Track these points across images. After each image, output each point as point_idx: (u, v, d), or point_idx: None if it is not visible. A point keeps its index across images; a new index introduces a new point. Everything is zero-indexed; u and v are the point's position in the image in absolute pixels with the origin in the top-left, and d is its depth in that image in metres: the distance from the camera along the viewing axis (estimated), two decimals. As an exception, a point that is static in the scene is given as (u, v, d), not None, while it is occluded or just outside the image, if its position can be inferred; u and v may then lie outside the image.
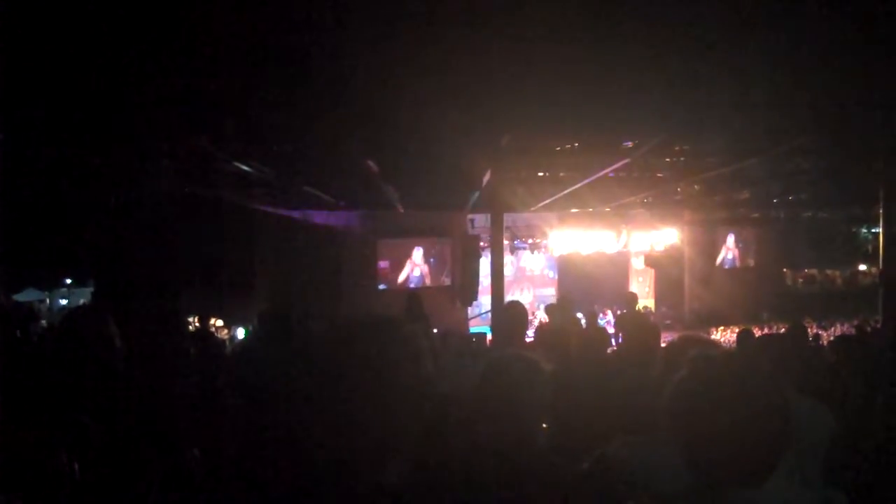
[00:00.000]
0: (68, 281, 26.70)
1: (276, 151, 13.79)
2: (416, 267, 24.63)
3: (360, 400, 2.40)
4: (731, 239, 28.57)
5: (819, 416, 4.12)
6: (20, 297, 21.61)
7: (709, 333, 21.92)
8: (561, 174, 18.65)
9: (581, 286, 25.40)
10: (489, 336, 14.32)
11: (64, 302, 28.07)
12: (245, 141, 12.74)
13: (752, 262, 28.91)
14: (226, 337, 21.07)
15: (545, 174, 18.99)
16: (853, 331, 18.12)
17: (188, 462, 3.87)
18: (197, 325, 18.06)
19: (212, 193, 17.19)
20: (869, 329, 16.87)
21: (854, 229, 35.49)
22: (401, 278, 24.32)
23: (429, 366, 2.56)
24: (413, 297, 13.50)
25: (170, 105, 9.86)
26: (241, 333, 21.52)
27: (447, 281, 24.98)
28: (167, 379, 4.78)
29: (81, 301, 24.19)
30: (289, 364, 3.94)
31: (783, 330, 13.93)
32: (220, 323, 22.45)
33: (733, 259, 28.73)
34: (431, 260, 24.87)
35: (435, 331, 18.15)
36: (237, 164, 13.65)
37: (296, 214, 21.68)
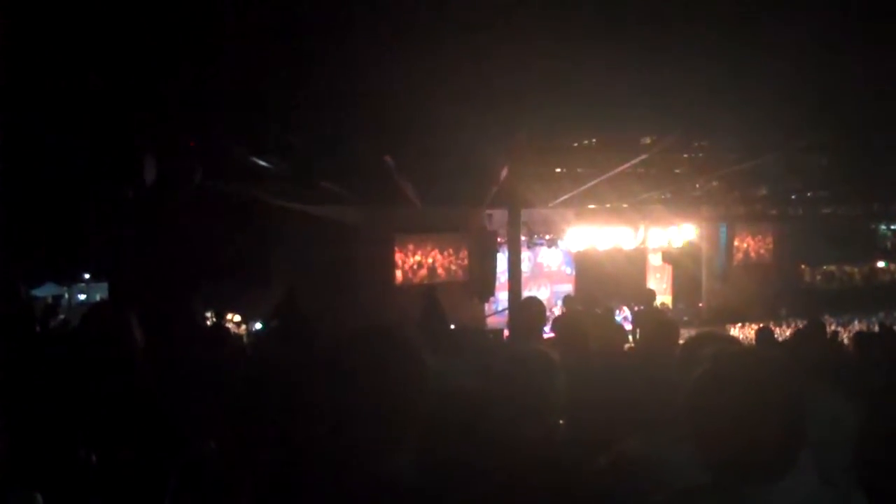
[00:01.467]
0: (87, 276, 26.73)
1: (293, 146, 13.81)
2: (432, 263, 24.61)
3: (359, 399, 2.45)
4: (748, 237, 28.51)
5: (842, 413, 4.10)
6: (39, 293, 21.68)
7: (727, 330, 21.87)
8: (578, 170, 18.61)
9: (598, 282, 25.34)
10: (506, 332, 14.31)
11: (83, 297, 28.12)
12: (263, 137, 12.76)
13: (769, 259, 28.79)
14: (243, 332, 21.12)
15: (563, 170, 18.96)
16: (872, 327, 18.04)
17: (205, 455, 3.89)
18: (214, 320, 18.15)
19: (229, 188, 17.24)
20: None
21: (873, 226, 35.25)
22: (417, 274, 24.29)
23: (429, 367, 2.60)
24: (430, 294, 13.55)
25: (189, 100, 9.89)
26: (258, 328, 21.56)
27: (464, 277, 24.93)
28: (184, 373, 4.80)
29: (98, 297, 24.23)
30: (297, 361, 3.96)
31: (801, 326, 13.88)
32: (237, 318, 22.49)
33: (751, 255, 28.63)
34: (448, 256, 24.84)
35: (452, 326, 18.22)
36: (255, 159, 13.68)
37: (313, 210, 21.69)
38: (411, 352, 2.64)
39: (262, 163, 14.09)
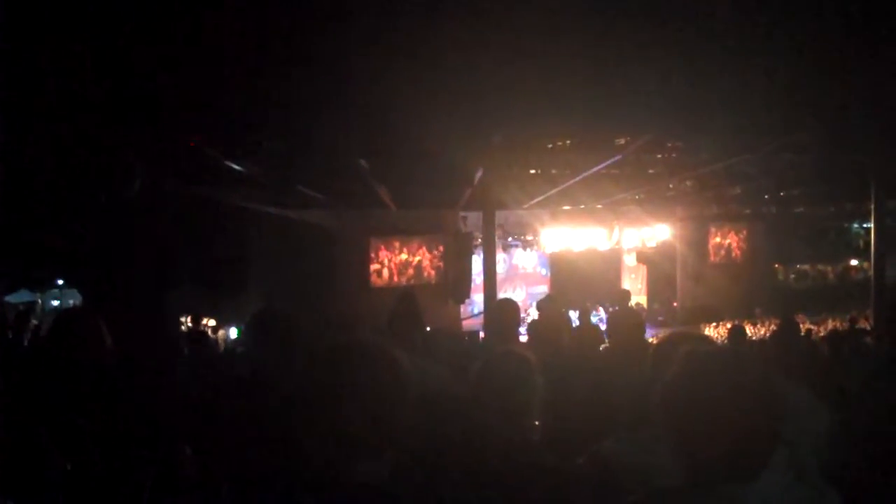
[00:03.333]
0: (60, 282, 26.57)
1: (268, 151, 13.78)
2: (408, 265, 24.60)
3: (340, 410, 2.46)
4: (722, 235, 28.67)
5: (815, 412, 4.13)
6: (12, 299, 21.54)
7: (701, 329, 21.97)
8: (553, 171, 18.65)
9: (573, 283, 25.46)
10: (482, 334, 14.32)
11: (56, 303, 27.97)
12: (238, 140, 12.73)
13: (743, 259, 28.93)
14: (219, 337, 21.05)
15: (537, 171, 19.00)
16: (846, 325, 18.17)
17: (181, 461, 3.87)
18: (189, 325, 18.07)
19: (205, 192, 17.17)
20: (861, 324, 16.94)
21: (846, 225, 35.53)
22: (393, 277, 24.27)
23: (410, 377, 2.62)
24: (407, 296, 13.47)
25: (162, 104, 9.85)
26: (234, 333, 21.50)
27: (439, 279, 24.94)
28: (159, 379, 4.79)
29: (72, 302, 24.14)
30: (278, 368, 3.96)
31: (775, 325, 13.96)
32: (213, 323, 22.41)
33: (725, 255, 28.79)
34: (423, 258, 24.84)
35: (427, 328, 18.17)
36: (230, 163, 13.64)
37: (289, 213, 21.64)
38: (392, 363, 2.65)
39: (237, 167, 14.05)
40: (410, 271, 24.58)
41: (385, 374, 2.61)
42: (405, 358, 2.69)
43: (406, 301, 12.30)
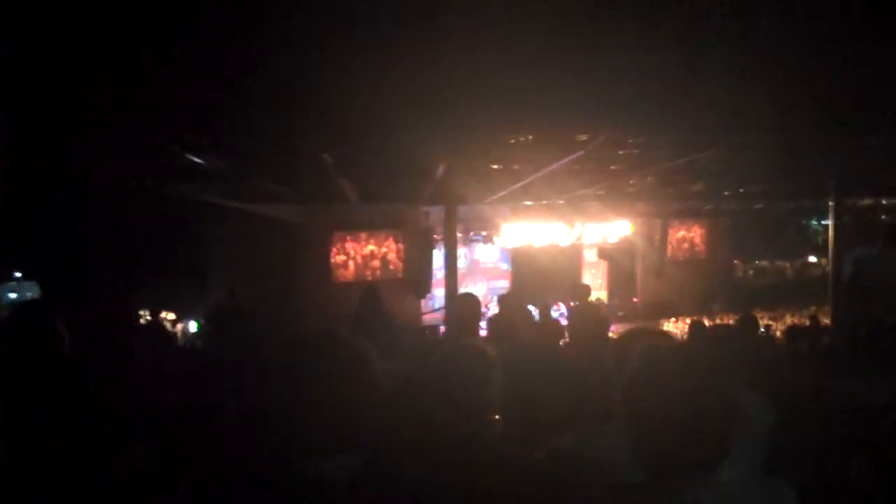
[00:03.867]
0: (18, 274, 26.32)
1: (228, 144, 13.69)
2: (370, 260, 24.60)
3: (306, 403, 2.45)
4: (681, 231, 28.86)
5: (772, 407, 4.17)
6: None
7: (661, 325, 22.14)
8: (515, 167, 18.64)
9: (534, 278, 25.54)
10: (442, 329, 14.34)
11: (13, 295, 27.68)
12: (197, 133, 12.64)
13: (703, 254, 29.14)
14: (179, 330, 20.96)
15: (499, 167, 18.99)
16: (804, 321, 18.36)
17: (138, 457, 3.85)
18: (149, 318, 17.96)
19: (163, 186, 17.04)
20: (820, 320, 17.13)
21: (804, 221, 35.90)
22: (355, 271, 24.26)
23: (375, 369, 2.60)
24: (370, 291, 13.49)
25: (119, 98, 9.76)
26: (193, 327, 21.41)
27: (401, 274, 24.97)
28: (117, 373, 4.75)
29: (30, 295, 23.91)
30: (238, 364, 3.94)
31: (734, 321, 14.09)
32: (172, 316, 22.31)
33: (684, 251, 28.98)
34: (385, 253, 24.85)
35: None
36: (189, 156, 13.54)
37: (249, 207, 21.55)
38: (358, 355, 2.64)
39: (198, 160, 13.96)
40: (373, 265, 24.60)
41: (351, 369, 2.60)
42: (372, 352, 2.69)
43: (369, 297, 12.22)
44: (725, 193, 25.54)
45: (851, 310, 7.78)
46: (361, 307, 13.28)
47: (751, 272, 35.92)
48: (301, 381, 2.54)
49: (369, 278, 23.71)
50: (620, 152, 17.57)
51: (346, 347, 2.65)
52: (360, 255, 24.41)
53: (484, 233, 26.32)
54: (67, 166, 11.09)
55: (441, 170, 16.29)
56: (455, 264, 18.62)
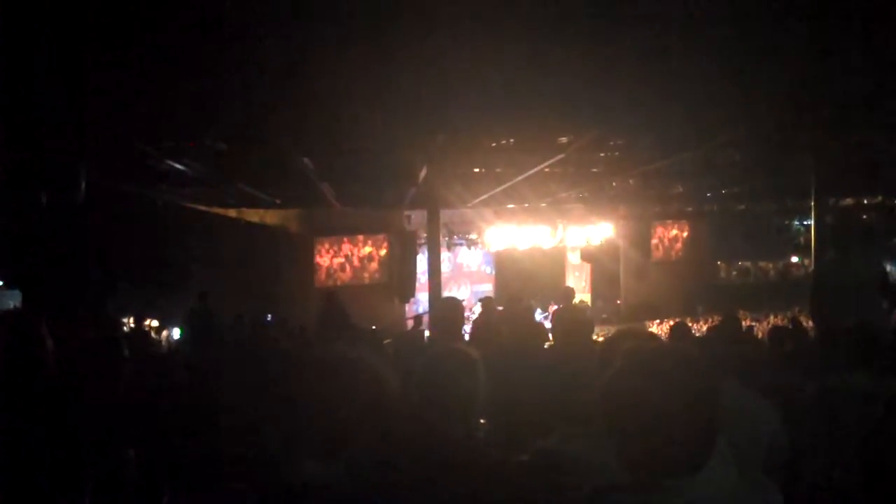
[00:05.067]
0: (0, 283, 26.18)
1: (210, 149, 13.66)
2: (352, 264, 24.57)
3: (295, 412, 2.44)
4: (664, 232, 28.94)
5: (756, 408, 4.18)
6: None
7: (645, 327, 22.16)
8: (497, 170, 18.66)
9: (518, 281, 25.54)
10: (426, 333, 14.34)
11: (-5, 305, 27.50)
12: (179, 139, 12.62)
13: (686, 256, 29.21)
14: (163, 337, 20.87)
15: (481, 170, 19.01)
16: (786, 322, 18.39)
17: (123, 464, 3.84)
18: (132, 325, 17.88)
19: (146, 192, 17.00)
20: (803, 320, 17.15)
21: (787, 222, 36.01)
22: (338, 276, 24.23)
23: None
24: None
25: (101, 102, 9.73)
26: (176, 333, 21.34)
27: (384, 278, 24.95)
28: (100, 381, 4.73)
29: (12, 304, 23.78)
30: (217, 368, 3.94)
31: (717, 322, 14.11)
32: (155, 323, 22.22)
33: (668, 253, 29.05)
34: (368, 257, 24.83)
35: (374, 327, 18.20)
36: (171, 162, 13.51)
37: (232, 213, 21.51)
38: (349, 365, 2.63)
39: (180, 167, 13.93)
40: (356, 269, 24.57)
41: (339, 376, 2.59)
42: (365, 360, 2.68)
43: (331, 305, 12.21)
44: (708, 195, 25.61)
45: (826, 311, 7.80)
46: (323, 314, 13.31)
47: (733, 273, 36.04)
48: (286, 389, 2.54)
49: (353, 283, 23.69)
50: (602, 155, 17.61)
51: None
52: (342, 259, 24.38)
53: (467, 236, 26.32)
54: (51, 174, 11.05)
55: (423, 173, 16.29)
56: (438, 268, 18.64)
